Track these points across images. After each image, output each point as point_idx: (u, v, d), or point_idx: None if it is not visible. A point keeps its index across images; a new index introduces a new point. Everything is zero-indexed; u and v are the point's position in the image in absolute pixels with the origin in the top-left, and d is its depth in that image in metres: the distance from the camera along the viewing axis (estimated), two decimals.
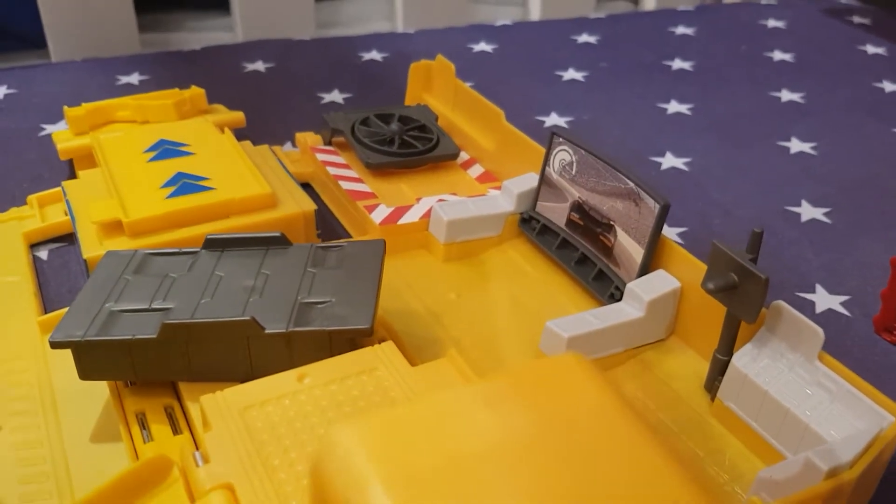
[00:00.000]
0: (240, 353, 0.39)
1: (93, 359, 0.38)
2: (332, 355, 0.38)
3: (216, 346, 0.38)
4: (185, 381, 0.39)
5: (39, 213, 0.55)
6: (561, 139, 0.52)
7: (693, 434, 0.41)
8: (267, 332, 0.38)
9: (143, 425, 0.39)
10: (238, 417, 0.32)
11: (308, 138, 0.63)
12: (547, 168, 0.53)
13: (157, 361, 0.39)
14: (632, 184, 0.48)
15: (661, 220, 0.46)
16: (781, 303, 0.40)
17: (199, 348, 0.38)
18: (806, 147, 0.73)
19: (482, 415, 0.22)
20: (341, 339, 0.38)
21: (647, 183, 0.47)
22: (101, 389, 0.41)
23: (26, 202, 0.57)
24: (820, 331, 0.39)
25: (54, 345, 0.38)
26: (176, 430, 0.38)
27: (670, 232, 0.60)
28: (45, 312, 0.48)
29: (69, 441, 0.39)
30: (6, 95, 0.75)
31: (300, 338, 0.38)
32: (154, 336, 0.38)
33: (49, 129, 0.70)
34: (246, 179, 0.51)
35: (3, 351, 0.44)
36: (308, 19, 0.96)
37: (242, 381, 0.37)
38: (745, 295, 0.39)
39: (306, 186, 0.61)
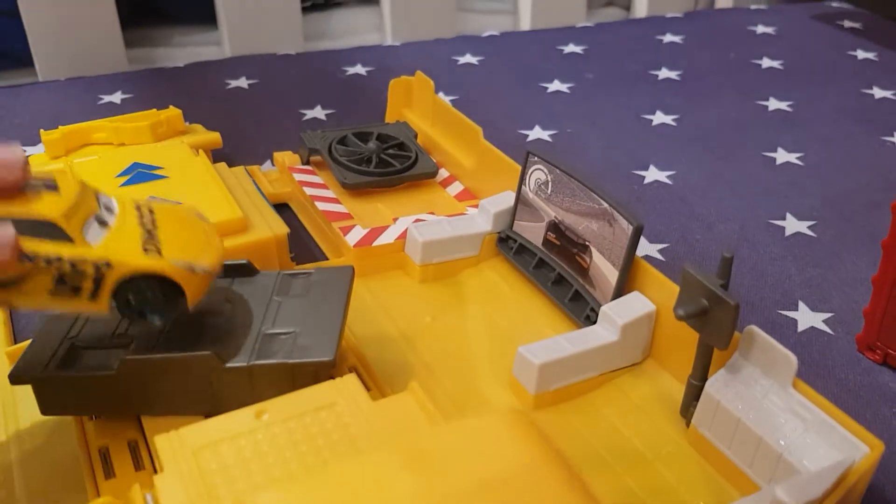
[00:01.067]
0: (202, 388, 0.38)
1: (53, 395, 0.38)
2: (295, 387, 0.37)
3: (177, 380, 0.38)
4: (148, 416, 0.39)
5: None
6: (536, 158, 0.52)
7: (667, 461, 0.41)
8: (228, 366, 0.37)
9: (106, 460, 0.38)
10: (191, 458, 0.32)
11: (286, 158, 0.63)
12: (523, 187, 0.53)
13: (118, 397, 0.38)
14: (606, 204, 0.47)
15: (635, 242, 0.45)
16: (754, 328, 0.40)
17: (160, 383, 0.38)
18: (792, 157, 0.72)
19: (403, 478, 0.21)
20: (304, 372, 0.38)
21: (622, 203, 0.46)
22: (67, 422, 0.41)
23: None
24: (793, 357, 0.38)
25: (14, 380, 0.37)
26: (138, 466, 0.38)
27: (651, 248, 0.59)
28: (16, 342, 0.47)
29: (32, 476, 0.38)
30: None
31: (261, 371, 0.38)
32: (113, 372, 0.37)
33: (29, 150, 0.69)
34: (218, 203, 0.50)
35: None
36: (296, 32, 0.95)
37: (208, 415, 0.36)
38: (716, 321, 0.39)
39: (285, 206, 0.61)
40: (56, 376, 0.37)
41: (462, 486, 0.21)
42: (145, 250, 0.36)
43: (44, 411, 0.38)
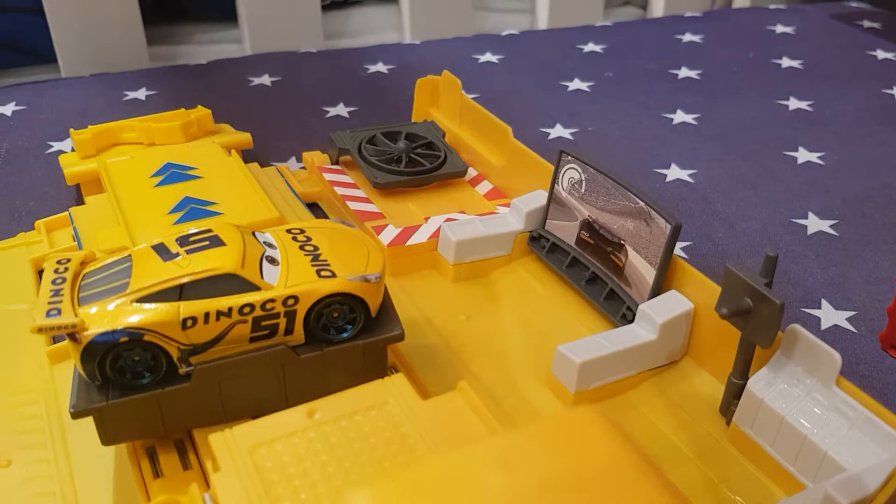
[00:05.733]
0: (274, 384, 0.38)
1: (117, 422, 0.37)
2: (366, 368, 0.38)
3: (250, 380, 0.38)
4: (219, 424, 0.37)
5: (47, 238, 0.55)
6: (570, 157, 0.52)
7: (708, 459, 0.41)
8: (302, 357, 0.38)
9: (153, 459, 0.38)
10: (247, 457, 0.32)
11: (315, 157, 0.63)
12: (556, 186, 0.53)
13: (188, 410, 0.37)
14: (642, 203, 0.47)
15: (673, 240, 0.46)
16: (797, 326, 0.40)
17: (232, 387, 0.37)
18: (813, 157, 0.72)
19: (495, 476, 0.21)
20: (376, 350, 0.39)
21: (658, 203, 0.47)
22: None
23: (33, 226, 0.57)
24: (837, 355, 0.38)
25: (76, 415, 0.36)
26: (186, 465, 0.38)
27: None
28: (54, 342, 0.47)
29: (79, 475, 0.39)
30: (14, 112, 0.75)
31: (335, 356, 0.38)
32: (187, 384, 0.37)
33: (56, 146, 0.69)
34: (254, 203, 0.51)
35: (11, 382, 0.44)
36: (315, 30, 0.95)
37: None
38: (759, 320, 0.39)
39: (314, 206, 0.61)
40: (124, 402, 0.36)
41: (552, 483, 0.21)
42: (320, 275, 0.38)
43: (106, 441, 0.37)
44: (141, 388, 0.36)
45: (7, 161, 0.67)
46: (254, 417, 0.36)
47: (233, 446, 0.33)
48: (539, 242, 0.54)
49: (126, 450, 0.39)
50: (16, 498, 0.37)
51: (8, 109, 0.75)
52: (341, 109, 0.78)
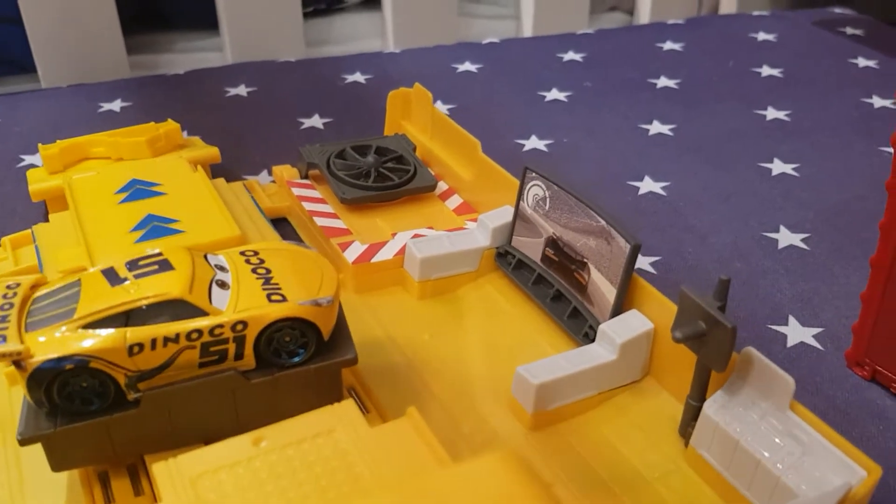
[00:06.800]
0: (224, 410, 0.38)
1: (66, 449, 0.36)
2: (318, 393, 0.38)
3: (199, 406, 0.38)
4: (171, 450, 0.37)
5: (13, 255, 0.55)
6: (534, 174, 0.52)
7: (666, 482, 0.41)
8: (253, 382, 0.38)
9: (106, 485, 0.38)
10: (189, 487, 0.32)
11: (285, 171, 0.63)
12: (521, 203, 0.53)
13: (137, 436, 0.37)
14: (603, 222, 0.47)
15: (632, 260, 0.45)
16: (751, 350, 0.40)
17: (182, 412, 0.37)
18: (788, 168, 0.72)
19: None
20: (328, 374, 0.39)
21: (619, 221, 0.47)
22: None
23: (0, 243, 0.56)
24: (790, 380, 0.38)
25: (23, 442, 0.36)
26: (138, 491, 0.38)
27: (643, 261, 0.59)
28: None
29: (31, 501, 0.38)
30: None
31: (286, 381, 0.38)
32: (134, 410, 0.37)
33: (28, 159, 0.69)
34: (216, 221, 0.50)
35: None
36: (297, 38, 0.95)
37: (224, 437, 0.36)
38: (713, 343, 0.39)
39: (283, 221, 0.61)
40: (71, 428, 0.36)
41: None
42: (270, 299, 0.38)
43: (55, 468, 0.37)
44: (89, 414, 0.36)
45: None
46: (206, 443, 0.36)
47: (176, 476, 0.32)
48: (506, 259, 0.54)
49: (79, 475, 0.39)
50: None
51: None
52: (316, 121, 0.77)
